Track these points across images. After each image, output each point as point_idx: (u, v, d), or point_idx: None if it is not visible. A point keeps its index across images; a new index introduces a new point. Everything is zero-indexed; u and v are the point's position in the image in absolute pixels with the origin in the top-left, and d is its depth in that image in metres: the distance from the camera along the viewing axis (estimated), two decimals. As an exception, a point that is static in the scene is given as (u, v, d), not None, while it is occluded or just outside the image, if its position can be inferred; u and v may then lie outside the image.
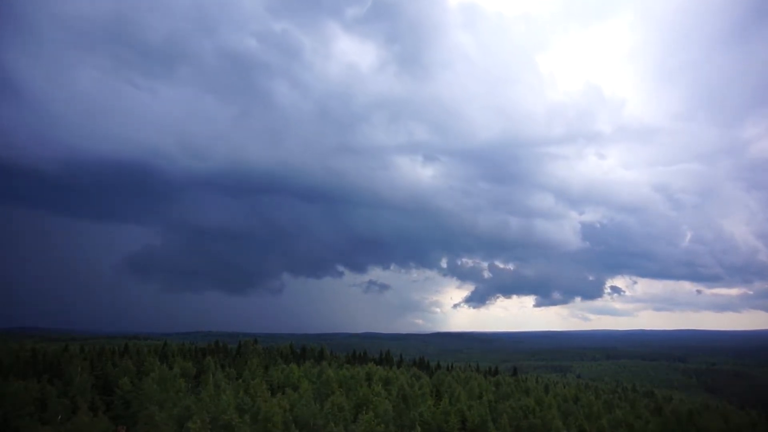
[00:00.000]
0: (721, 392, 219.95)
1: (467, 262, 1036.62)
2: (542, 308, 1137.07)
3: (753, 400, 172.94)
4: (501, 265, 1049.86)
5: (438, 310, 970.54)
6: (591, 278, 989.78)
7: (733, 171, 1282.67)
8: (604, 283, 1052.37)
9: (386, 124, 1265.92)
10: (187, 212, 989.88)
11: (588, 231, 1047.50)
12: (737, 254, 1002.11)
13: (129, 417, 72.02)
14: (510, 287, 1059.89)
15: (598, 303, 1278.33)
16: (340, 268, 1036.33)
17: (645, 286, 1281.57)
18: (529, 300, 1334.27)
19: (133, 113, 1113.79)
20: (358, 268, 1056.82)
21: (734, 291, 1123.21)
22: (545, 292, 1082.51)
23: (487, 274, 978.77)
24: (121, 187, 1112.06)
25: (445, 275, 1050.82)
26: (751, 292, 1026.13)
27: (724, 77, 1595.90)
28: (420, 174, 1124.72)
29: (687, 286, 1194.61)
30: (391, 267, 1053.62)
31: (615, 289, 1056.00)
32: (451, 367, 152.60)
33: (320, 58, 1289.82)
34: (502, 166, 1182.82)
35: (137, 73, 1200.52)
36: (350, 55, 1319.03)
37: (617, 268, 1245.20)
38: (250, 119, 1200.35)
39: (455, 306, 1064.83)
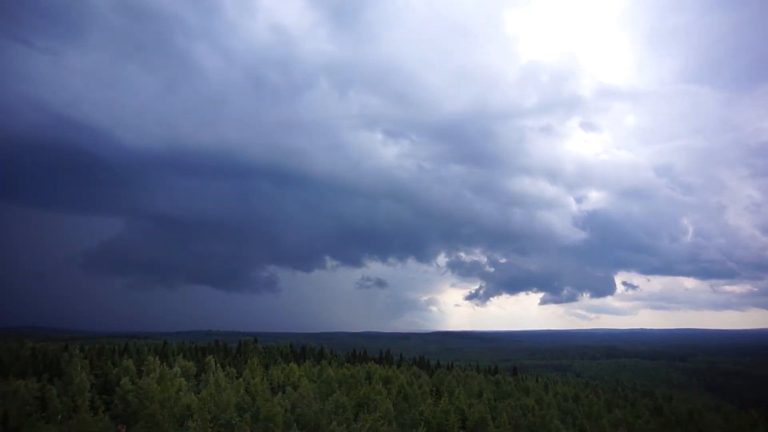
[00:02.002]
0: (722, 391, 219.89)
1: (466, 257, 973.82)
2: (546, 306, 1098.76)
3: (753, 399, 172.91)
4: (502, 260, 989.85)
5: (435, 308, 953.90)
6: (600, 274, 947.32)
7: (735, 154, 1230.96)
8: (614, 279, 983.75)
9: (332, 95, 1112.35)
10: (149, 199, 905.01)
11: (587, 223, 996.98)
12: (744, 249, 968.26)
13: (129, 416, 72.06)
14: (511, 284, 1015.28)
15: (596, 302, 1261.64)
16: (333, 261, 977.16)
17: (645, 283, 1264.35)
18: (535, 297, 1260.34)
19: (41, 82, 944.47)
20: (352, 261, 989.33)
21: (738, 288, 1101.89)
22: (549, 289, 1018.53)
23: (487, 269, 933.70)
24: (60, 170, 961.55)
25: (443, 273, 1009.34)
26: (756, 290, 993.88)
27: (723, 43, 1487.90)
28: (384, 153, 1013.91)
29: (688, 283, 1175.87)
30: (389, 260, 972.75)
31: (630, 286, 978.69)
32: (451, 366, 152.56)
33: (244, 16, 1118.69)
34: (476, 144, 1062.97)
35: (33, 33, 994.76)
36: (277, 10, 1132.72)
37: (620, 264, 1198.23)
38: (179, 91, 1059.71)
39: (456, 305, 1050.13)
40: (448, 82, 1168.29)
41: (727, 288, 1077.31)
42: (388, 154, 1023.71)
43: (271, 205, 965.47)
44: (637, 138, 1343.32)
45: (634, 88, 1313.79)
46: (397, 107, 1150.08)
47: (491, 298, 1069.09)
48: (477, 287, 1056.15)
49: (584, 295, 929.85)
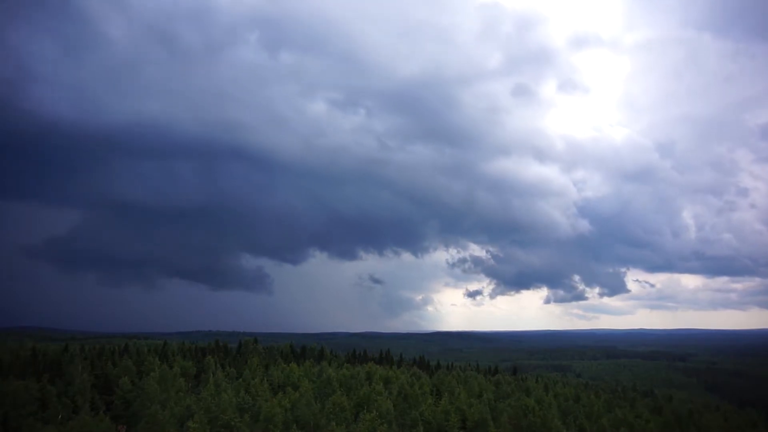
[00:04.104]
0: (722, 391, 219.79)
1: (465, 254, 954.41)
2: (546, 306, 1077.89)
3: (753, 399, 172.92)
4: (501, 254, 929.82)
5: (433, 308, 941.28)
6: (609, 270, 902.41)
7: (737, 138, 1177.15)
8: (624, 276, 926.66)
9: (261, 56, 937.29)
10: (94, 181, 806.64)
11: (594, 215, 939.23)
12: (749, 246, 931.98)
13: (129, 417, 72.17)
14: (516, 281, 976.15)
15: (596, 302, 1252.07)
16: (317, 250, 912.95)
17: (656, 281, 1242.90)
18: (541, 295, 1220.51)
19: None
20: (346, 254, 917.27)
21: (740, 287, 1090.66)
22: (558, 286, 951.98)
23: (490, 264, 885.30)
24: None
25: (442, 270, 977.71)
26: (760, 288, 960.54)
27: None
28: (337, 128, 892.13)
29: (691, 281, 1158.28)
30: (386, 253, 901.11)
31: (648, 284, 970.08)
32: (451, 366, 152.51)
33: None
34: (441, 119, 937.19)
35: None
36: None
37: (628, 261, 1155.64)
38: (84, 56, 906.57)
39: (453, 305, 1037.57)
40: (397, 39, 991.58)
41: (730, 286, 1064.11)
42: (342, 129, 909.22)
43: (215, 185, 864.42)
44: (628, 103, 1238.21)
45: (618, 38, 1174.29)
46: (344, 72, 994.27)
47: (497, 296, 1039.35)
48: (481, 285, 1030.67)
49: (594, 294, 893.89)
